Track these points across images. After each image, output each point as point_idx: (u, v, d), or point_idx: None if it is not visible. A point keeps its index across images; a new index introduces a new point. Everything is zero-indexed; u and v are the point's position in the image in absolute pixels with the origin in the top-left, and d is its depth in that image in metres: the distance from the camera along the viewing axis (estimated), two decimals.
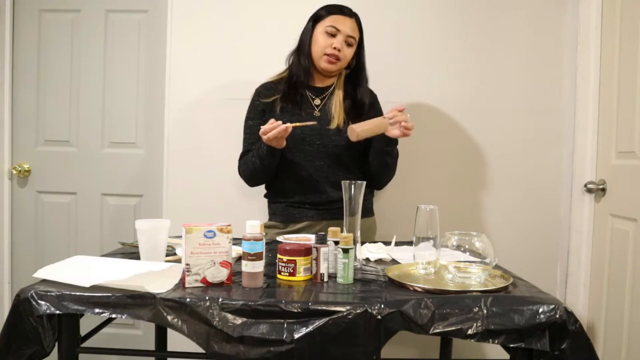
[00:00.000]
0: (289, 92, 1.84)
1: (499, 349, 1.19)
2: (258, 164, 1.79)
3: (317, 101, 1.87)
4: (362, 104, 1.87)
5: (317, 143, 1.82)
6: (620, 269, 1.90)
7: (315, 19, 1.84)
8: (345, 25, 1.80)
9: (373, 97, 1.94)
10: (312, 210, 1.86)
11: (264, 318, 1.10)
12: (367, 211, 1.91)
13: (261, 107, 1.87)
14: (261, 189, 1.96)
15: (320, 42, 1.80)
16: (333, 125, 1.82)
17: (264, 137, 1.67)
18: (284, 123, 1.66)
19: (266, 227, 1.82)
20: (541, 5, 2.21)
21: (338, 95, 1.86)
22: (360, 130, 1.66)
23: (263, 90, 1.89)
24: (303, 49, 1.83)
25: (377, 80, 1.95)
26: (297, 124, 1.69)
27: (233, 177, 1.92)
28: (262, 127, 1.67)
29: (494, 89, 2.23)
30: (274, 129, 1.64)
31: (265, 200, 1.97)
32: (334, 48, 1.78)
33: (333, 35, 1.79)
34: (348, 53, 1.82)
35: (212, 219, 1.36)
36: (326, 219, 1.83)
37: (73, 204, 2.49)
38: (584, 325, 1.11)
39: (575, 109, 2.18)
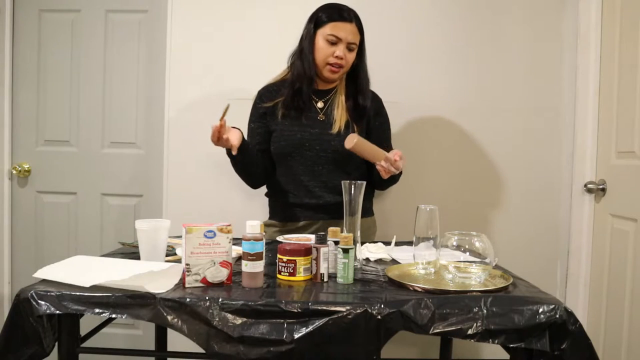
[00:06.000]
0: (292, 99, 1.81)
1: (499, 349, 1.19)
2: (232, 164, 1.81)
3: (320, 104, 1.85)
4: (364, 107, 1.84)
5: (316, 148, 1.80)
6: (620, 269, 1.90)
7: (316, 23, 1.79)
8: (346, 31, 1.76)
9: (378, 103, 1.91)
10: (310, 211, 1.85)
11: (264, 318, 1.10)
12: (366, 211, 1.90)
13: (262, 110, 1.86)
14: (261, 189, 1.96)
15: (322, 51, 1.77)
16: (334, 130, 1.80)
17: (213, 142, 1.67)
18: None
19: (265, 225, 1.82)
20: (541, 5, 2.21)
21: (340, 99, 1.84)
22: (358, 144, 1.62)
23: (265, 93, 1.87)
24: (306, 56, 1.79)
25: (377, 80, 1.95)
26: (223, 113, 1.61)
27: (233, 177, 1.92)
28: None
29: (494, 89, 2.23)
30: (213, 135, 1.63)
31: (266, 199, 1.97)
32: (337, 57, 1.76)
33: (334, 44, 1.76)
34: (350, 58, 1.80)
35: (212, 219, 1.36)
36: (324, 219, 1.82)
37: (73, 204, 2.49)
38: (584, 325, 1.11)
39: (575, 109, 2.18)
